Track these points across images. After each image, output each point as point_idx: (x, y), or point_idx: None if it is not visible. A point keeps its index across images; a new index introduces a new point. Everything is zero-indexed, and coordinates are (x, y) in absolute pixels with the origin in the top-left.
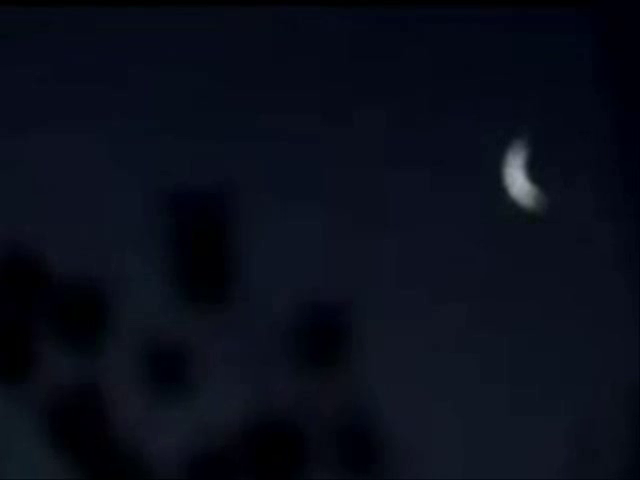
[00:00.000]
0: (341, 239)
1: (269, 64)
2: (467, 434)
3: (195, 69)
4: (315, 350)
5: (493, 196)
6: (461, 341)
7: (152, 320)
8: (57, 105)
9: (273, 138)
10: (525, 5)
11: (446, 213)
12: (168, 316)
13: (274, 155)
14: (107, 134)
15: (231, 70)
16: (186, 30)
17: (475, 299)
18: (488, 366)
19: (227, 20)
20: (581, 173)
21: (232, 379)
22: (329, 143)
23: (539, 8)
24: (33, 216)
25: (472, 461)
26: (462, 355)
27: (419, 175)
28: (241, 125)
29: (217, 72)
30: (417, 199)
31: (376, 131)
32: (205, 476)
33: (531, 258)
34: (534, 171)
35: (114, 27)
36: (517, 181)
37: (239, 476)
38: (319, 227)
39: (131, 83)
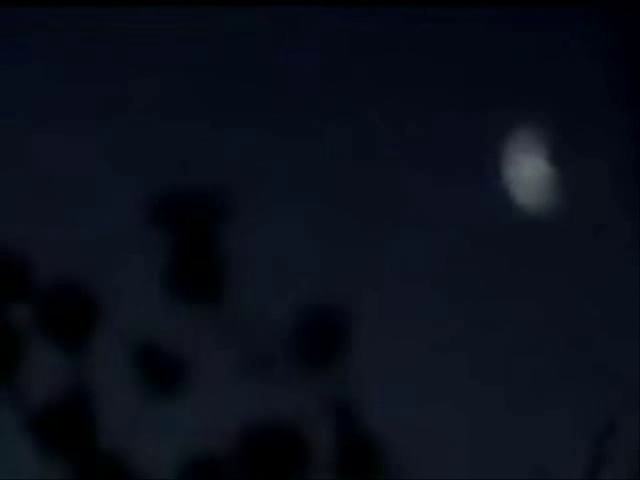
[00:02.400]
0: (340, 239)
1: (269, 64)
2: (468, 435)
3: (195, 69)
4: (314, 351)
5: (496, 196)
6: (462, 341)
7: (148, 322)
8: (57, 105)
9: (272, 139)
10: (533, 4)
11: (448, 212)
12: (165, 318)
13: (273, 156)
14: (107, 134)
15: (231, 70)
16: (186, 30)
17: (477, 299)
18: (490, 366)
19: (227, 20)
20: (592, 173)
21: (230, 381)
22: (328, 143)
23: (546, 7)
24: (31, 216)
25: (473, 462)
26: (463, 356)
27: (420, 175)
28: (240, 126)
29: (217, 72)
30: (417, 199)
31: (377, 131)
32: (203, 478)
33: (535, 257)
34: (543, 169)
35: (114, 27)
36: (524, 179)
37: (238, 477)
38: (318, 227)
39: (131, 83)
